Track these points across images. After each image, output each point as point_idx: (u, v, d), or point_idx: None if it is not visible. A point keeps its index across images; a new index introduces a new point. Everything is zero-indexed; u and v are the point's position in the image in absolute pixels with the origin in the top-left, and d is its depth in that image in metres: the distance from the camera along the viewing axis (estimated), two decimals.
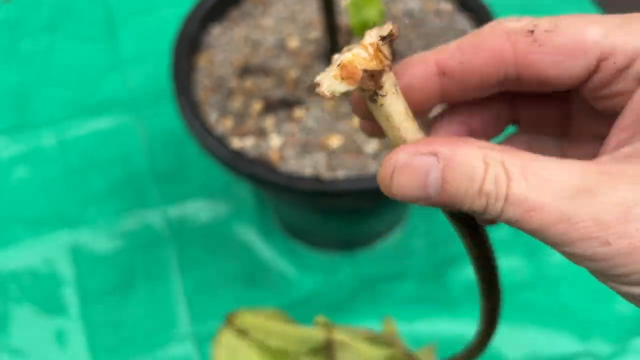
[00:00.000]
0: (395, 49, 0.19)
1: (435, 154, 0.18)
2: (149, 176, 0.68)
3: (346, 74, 0.19)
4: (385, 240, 0.64)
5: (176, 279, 0.62)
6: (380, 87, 0.19)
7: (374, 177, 0.45)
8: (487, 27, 0.20)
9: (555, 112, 0.23)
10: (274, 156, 0.48)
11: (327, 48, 0.53)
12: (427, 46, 0.53)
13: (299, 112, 0.51)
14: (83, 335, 0.59)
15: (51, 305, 0.61)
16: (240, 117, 0.51)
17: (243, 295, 0.61)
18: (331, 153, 0.48)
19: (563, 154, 0.23)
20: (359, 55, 0.19)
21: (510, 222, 0.18)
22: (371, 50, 0.19)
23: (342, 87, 0.19)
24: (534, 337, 0.58)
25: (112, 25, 0.81)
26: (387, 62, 0.19)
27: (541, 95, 0.23)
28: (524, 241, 0.62)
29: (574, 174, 0.18)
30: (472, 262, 0.24)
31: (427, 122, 0.24)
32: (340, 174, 0.47)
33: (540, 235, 0.18)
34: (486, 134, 0.24)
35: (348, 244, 0.63)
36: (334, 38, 0.51)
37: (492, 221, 0.23)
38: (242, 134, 0.50)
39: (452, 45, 0.20)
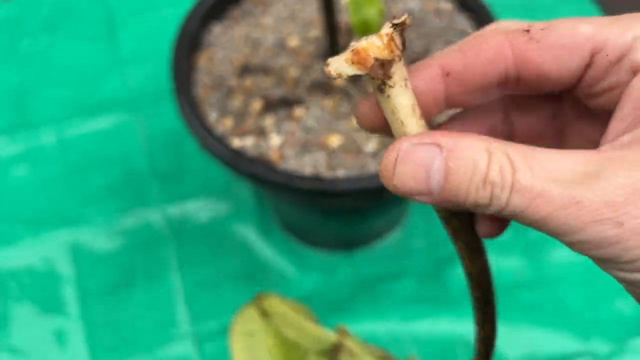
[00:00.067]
0: (405, 38, 0.19)
1: (438, 145, 0.18)
2: (149, 175, 0.68)
3: (358, 59, 0.19)
4: (385, 239, 0.64)
5: (176, 278, 0.62)
6: (389, 78, 0.19)
7: (373, 177, 0.45)
8: (487, 29, 0.21)
9: (549, 125, 0.24)
10: (273, 155, 0.48)
11: (327, 47, 0.53)
12: (427, 46, 0.53)
13: (298, 112, 0.51)
14: (83, 335, 0.59)
15: (51, 305, 0.61)
16: (240, 116, 0.51)
17: (243, 294, 0.61)
18: (331, 152, 0.48)
19: None
20: (373, 43, 0.19)
21: (515, 214, 0.18)
22: (385, 39, 0.19)
23: (350, 70, 0.19)
24: (533, 337, 0.58)
25: (112, 24, 0.80)
26: (397, 52, 0.19)
27: (535, 107, 0.23)
28: (524, 241, 0.62)
29: (577, 162, 0.18)
30: (467, 281, 0.24)
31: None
32: (340, 173, 0.47)
33: (546, 225, 0.18)
34: None
35: (348, 243, 0.63)
36: (334, 37, 0.51)
37: (494, 221, 0.23)
38: (242, 133, 0.50)
39: (454, 47, 0.21)
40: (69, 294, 0.61)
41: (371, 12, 0.45)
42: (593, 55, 0.20)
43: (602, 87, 0.20)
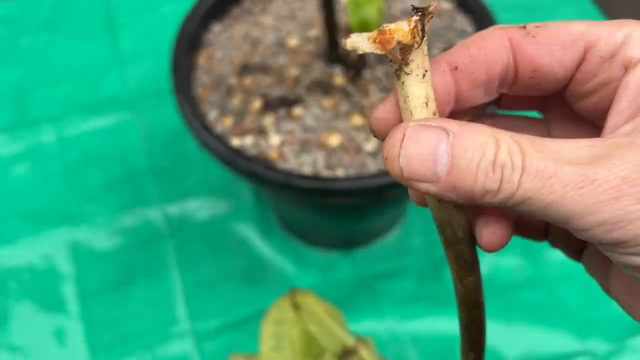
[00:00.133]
0: (425, 27, 0.19)
1: (444, 129, 0.18)
2: (149, 174, 0.68)
3: (381, 39, 0.19)
4: (384, 239, 0.64)
5: (175, 276, 0.62)
6: (407, 64, 0.19)
7: (373, 176, 0.46)
8: (486, 29, 0.21)
9: (538, 134, 0.24)
10: (273, 154, 0.48)
11: (326, 46, 0.53)
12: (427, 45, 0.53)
13: (298, 111, 0.51)
14: (82, 333, 0.59)
15: (51, 303, 0.61)
16: (240, 115, 0.51)
17: (242, 293, 0.61)
18: (330, 152, 0.48)
19: None
20: (401, 27, 0.19)
21: (525, 199, 0.17)
22: (412, 24, 0.19)
23: (367, 47, 0.19)
24: (532, 336, 0.58)
25: (112, 23, 0.81)
26: (417, 39, 0.19)
27: (528, 119, 0.24)
28: (524, 240, 0.62)
29: (584, 146, 0.18)
30: (458, 307, 0.23)
31: None
32: (339, 172, 0.47)
33: (558, 210, 0.17)
34: None
35: (347, 242, 0.63)
36: (334, 36, 0.51)
37: (499, 223, 0.22)
38: (242, 132, 0.50)
39: (459, 45, 0.21)
40: (69, 292, 0.61)
41: (370, 11, 0.45)
42: (586, 52, 0.20)
43: (594, 85, 0.21)
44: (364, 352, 0.38)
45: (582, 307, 0.59)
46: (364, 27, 0.47)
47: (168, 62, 0.52)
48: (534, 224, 0.24)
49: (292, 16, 0.58)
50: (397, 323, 0.59)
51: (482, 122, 0.21)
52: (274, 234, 0.64)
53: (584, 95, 0.21)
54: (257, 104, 0.51)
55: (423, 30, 0.19)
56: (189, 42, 0.54)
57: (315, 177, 0.46)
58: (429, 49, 0.21)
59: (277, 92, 0.52)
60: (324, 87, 0.52)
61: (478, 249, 0.22)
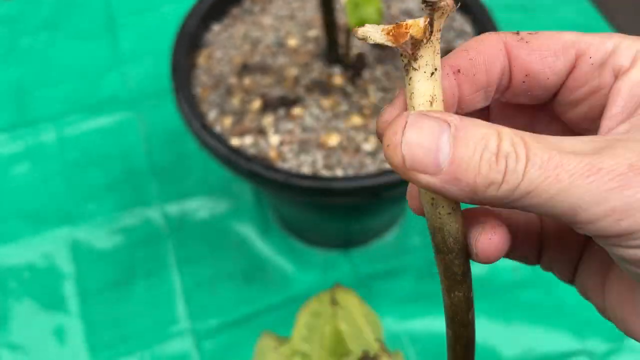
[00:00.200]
0: (434, 22, 0.18)
1: (445, 121, 0.18)
2: (149, 174, 0.68)
3: (395, 32, 0.18)
4: (382, 238, 0.64)
5: (175, 275, 0.62)
6: (415, 59, 0.18)
7: (372, 176, 0.46)
8: (482, 34, 0.22)
9: None
10: (272, 154, 0.49)
11: (326, 46, 0.53)
12: None
13: (297, 111, 0.51)
14: (82, 331, 0.59)
15: (51, 302, 0.61)
16: (239, 115, 0.51)
17: (242, 292, 0.61)
18: (329, 151, 0.49)
19: None
20: (418, 22, 0.18)
21: (529, 191, 0.17)
22: (426, 21, 0.18)
23: (379, 38, 0.19)
24: (531, 336, 0.58)
25: (112, 23, 0.81)
26: (426, 35, 0.18)
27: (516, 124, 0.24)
28: None
29: (584, 141, 0.18)
30: (445, 322, 0.21)
31: None
32: (339, 172, 0.47)
33: (563, 201, 0.17)
34: None
35: (346, 242, 0.63)
36: (333, 36, 0.51)
37: (499, 225, 0.22)
38: (241, 132, 0.50)
39: (458, 49, 0.21)
40: (69, 291, 0.61)
41: (369, 12, 0.45)
42: (577, 59, 0.21)
43: (584, 92, 0.21)
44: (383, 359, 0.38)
45: (580, 306, 0.59)
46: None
47: (168, 62, 0.53)
48: (527, 244, 0.24)
49: (291, 16, 0.58)
50: (396, 322, 0.59)
51: None
52: (273, 234, 0.64)
53: (574, 104, 0.21)
54: (256, 103, 0.51)
55: (432, 25, 0.18)
56: (189, 42, 0.54)
57: (315, 177, 0.46)
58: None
59: (276, 92, 0.52)
60: (323, 87, 0.52)
61: (473, 263, 0.21)
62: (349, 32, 0.51)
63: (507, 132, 0.17)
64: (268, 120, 0.50)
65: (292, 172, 0.46)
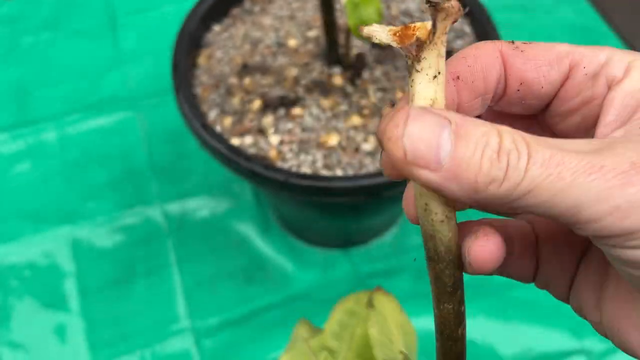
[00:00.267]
0: (437, 24, 0.18)
1: (446, 118, 0.18)
2: (149, 173, 0.68)
3: (402, 33, 0.18)
4: (381, 237, 0.64)
5: (175, 274, 0.62)
6: (418, 61, 0.18)
7: (371, 175, 0.46)
8: (477, 43, 0.22)
9: None
10: (272, 154, 0.49)
11: (326, 47, 0.53)
12: None
13: (297, 111, 0.51)
14: (83, 330, 0.59)
15: (51, 300, 0.61)
16: (240, 114, 0.51)
17: (242, 291, 0.61)
18: (329, 151, 0.49)
19: None
20: (425, 25, 0.18)
21: (531, 189, 0.17)
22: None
23: (384, 37, 0.18)
24: (529, 335, 0.58)
25: (113, 22, 0.81)
26: (430, 36, 0.18)
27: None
28: None
29: (582, 143, 0.18)
30: (435, 334, 0.20)
31: None
32: (338, 172, 0.48)
33: (565, 199, 0.17)
34: None
35: (345, 241, 0.64)
36: (333, 37, 0.52)
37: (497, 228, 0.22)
38: (241, 132, 0.50)
39: (456, 56, 0.22)
40: (70, 289, 0.62)
41: (369, 12, 0.45)
42: (571, 69, 0.21)
43: (577, 102, 0.21)
44: None
45: None
46: None
47: (169, 62, 0.53)
48: (522, 259, 0.24)
49: (291, 16, 0.58)
50: None
51: None
52: (273, 233, 0.65)
53: (567, 114, 0.22)
54: (256, 103, 0.52)
55: (434, 26, 0.18)
56: (189, 42, 0.54)
57: (314, 177, 0.46)
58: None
59: (276, 92, 0.52)
60: (323, 88, 0.52)
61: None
62: (349, 32, 0.51)
63: (507, 130, 0.17)
64: (268, 120, 0.51)
65: (292, 172, 0.46)
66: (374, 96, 0.52)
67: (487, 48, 0.21)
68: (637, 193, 0.16)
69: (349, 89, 0.52)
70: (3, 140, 0.71)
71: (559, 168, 0.17)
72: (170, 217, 0.65)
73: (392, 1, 0.58)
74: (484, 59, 0.21)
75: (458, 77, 0.21)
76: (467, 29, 0.56)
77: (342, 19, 0.55)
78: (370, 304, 0.38)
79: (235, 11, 0.59)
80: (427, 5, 0.18)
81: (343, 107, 0.51)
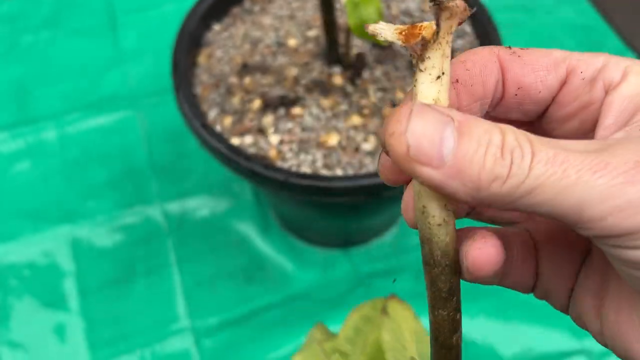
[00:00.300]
0: (440, 23, 0.18)
1: (449, 115, 0.17)
2: (149, 172, 0.68)
3: (408, 32, 0.18)
4: (381, 237, 0.64)
5: (175, 274, 0.62)
6: (422, 60, 0.18)
7: (371, 175, 0.46)
8: (475, 48, 0.22)
9: None
10: (272, 153, 0.49)
11: (326, 46, 0.53)
12: None
13: (297, 110, 0.51)
14: (82, 329, 0.59)
15: (51, 299, 0.61)
16: (239, 114, 0.51)
17: (241, 290, 0.61)
18: (329, 151, 0.49)
19: None
20: (431, 25, 0.18)
21: (535, 187, 0.17)
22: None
23: (389, 35, 0.18)
24: (528, 334, 0.58)
25: (113, 21, 0.81)
26: (434, 35, 0.18)
27: None
28: None
29: (583, 143, 0.18)
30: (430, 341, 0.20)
31: None
32: (338, 171, 0.48)
33: (569, 198, 0.16)
34: None
35: (345, 241, 0.64)
36: (333, 36, 0.52)
37: (495, 220, 0.22)
38: (241, 132, 0.50)
39: (454, 60, 0.21)
40: (69, 289, 0.62)
41: (369, 12, 0.45)
42: (568, 74, 0.21)
43: (575, 107, 0.21)
44: None
45: None
46: (362, 27, 0.47)
47: (169, 61, 0.53)
48: (521, 268, 0.23)
49: (291, 16, 0.58)
50: None
51: None
52: (273, 233, 0.65)
53: (565, 119, 0.22)
54: (256, 103, 0.52)
55: (438, 25, 0.18)
56: (189, 41, 0.54)
57: (314, 176, 0.46)
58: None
59: (276, 91, 0.52)
60: (323, 87, 0.52)
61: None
62: (349, 31, 0.51)
63: (510, 128, 0.17)
64: (268, 119, 0.51)
65: (291, 172, 0.46)
66: (374, 96, 0.52)
67: (485, 53, 0.21)
68: (637, 193, 0.16)
69: (349, 88, 0.52)
70: (3, 139, 0.71)
71: (564, 166, 0.16)
72: (170, 217, 0.65)
73: (392, 1, 0.58)
74: (482, 64, 0.21)
75: (457, 81, 0.21)
76: (468, 28, 0.56)
77: (342, 18, 0.55)
78: (384, 311, 0.38)
79: (235, 10, 0.59)
80: (430, 4, 0.18)
81: (343, 106, 0.51)
